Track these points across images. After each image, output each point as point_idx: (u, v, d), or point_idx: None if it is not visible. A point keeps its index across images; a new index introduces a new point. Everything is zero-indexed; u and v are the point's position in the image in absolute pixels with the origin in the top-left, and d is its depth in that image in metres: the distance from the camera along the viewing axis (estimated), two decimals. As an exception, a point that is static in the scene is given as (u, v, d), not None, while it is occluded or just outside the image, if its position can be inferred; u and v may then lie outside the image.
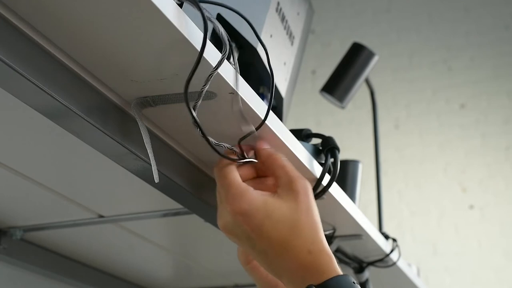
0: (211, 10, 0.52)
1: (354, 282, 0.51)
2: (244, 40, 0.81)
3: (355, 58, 1.49)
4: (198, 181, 0.68)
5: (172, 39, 0.45)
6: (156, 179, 0.56)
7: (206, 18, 0.45)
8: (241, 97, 0.52)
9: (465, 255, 3.00)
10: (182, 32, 0.44)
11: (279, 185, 0.56)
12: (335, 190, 0.80)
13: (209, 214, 0.71)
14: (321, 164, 0.75)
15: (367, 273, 1.08)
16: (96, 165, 0.70)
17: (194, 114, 0.49)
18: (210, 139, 0.52)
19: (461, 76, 3.33)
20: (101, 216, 0.90)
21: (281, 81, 0.95)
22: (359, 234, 0.97)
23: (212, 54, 0.48)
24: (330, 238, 0.96)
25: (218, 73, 0.49)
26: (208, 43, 0.48)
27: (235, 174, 0.55)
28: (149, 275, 1.33)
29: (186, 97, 0.48)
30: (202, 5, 0.48)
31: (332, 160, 0.76)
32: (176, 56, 0.47)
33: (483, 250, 2.99)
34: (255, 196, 0.54)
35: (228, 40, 0.50)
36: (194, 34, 0.45)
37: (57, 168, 0.75)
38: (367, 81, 1.56)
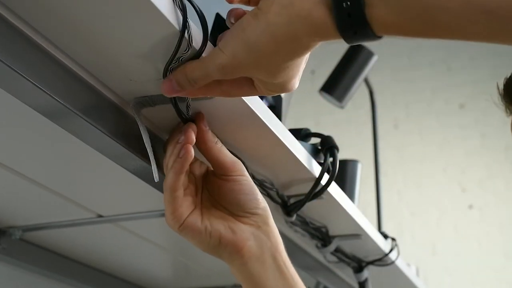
0: (210, 10, 0.51)
1: None
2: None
3: (354, 57, 1.49)
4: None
5: (168, 36, 0.45)
6: (156, 179, 0.56)
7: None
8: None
9: (465, 255, 3.00)
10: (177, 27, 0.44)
11: None
12: (334, 189, 0.80)
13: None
14: (320, 163, 0.75)
15: (366, 273, 1.08)
16: (95, 164, 0.70)
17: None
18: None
19: (460, 76, 3.33)
20: (100, 216, 0.90)
21: (280, 81, 0.95)
22: (358, 234, 0.97)
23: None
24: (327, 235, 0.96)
25: None
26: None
27: None
28: (149, 275, 1.33)
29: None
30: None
31: (331, 159, 0.76)
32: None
33: (483, 250, 2.99)
34: None
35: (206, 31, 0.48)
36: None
37: (56, 168, 0.75)
38: (366, 81, 1.57)
